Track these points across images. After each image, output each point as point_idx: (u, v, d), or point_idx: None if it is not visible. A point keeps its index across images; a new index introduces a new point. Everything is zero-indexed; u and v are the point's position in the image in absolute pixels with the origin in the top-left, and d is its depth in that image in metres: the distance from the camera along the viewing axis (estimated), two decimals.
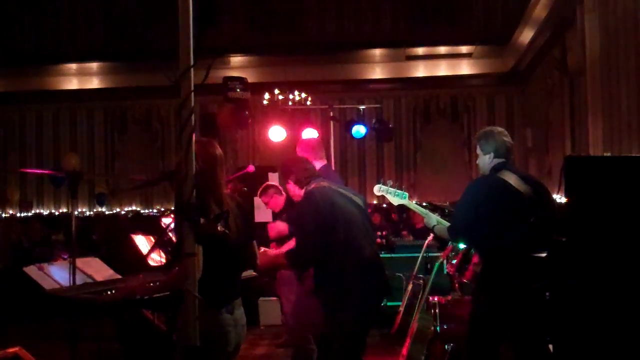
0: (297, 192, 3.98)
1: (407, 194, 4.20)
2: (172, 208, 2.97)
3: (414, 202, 4.40)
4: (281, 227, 4.99)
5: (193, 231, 2.41)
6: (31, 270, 3.84)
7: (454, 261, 5.25)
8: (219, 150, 3.01)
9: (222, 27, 12.88)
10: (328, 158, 8.01)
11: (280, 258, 4.03)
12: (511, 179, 3.72)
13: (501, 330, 3.78)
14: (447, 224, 3.96)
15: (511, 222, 3.67)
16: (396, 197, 4.17)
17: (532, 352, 3.71)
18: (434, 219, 4.01)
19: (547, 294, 3.40)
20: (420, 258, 6.00)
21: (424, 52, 13.91)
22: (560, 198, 7.50)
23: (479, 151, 3.93)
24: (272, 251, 4.38)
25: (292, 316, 5.26)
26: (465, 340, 3.94)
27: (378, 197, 4.26)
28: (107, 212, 14.83)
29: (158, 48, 7.81)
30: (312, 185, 3.91)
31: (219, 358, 2.88)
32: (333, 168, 8.88)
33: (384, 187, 4.18)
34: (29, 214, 14.87)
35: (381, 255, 7.85)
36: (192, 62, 2.39)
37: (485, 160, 3.87)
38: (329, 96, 12.08)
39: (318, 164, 4.49)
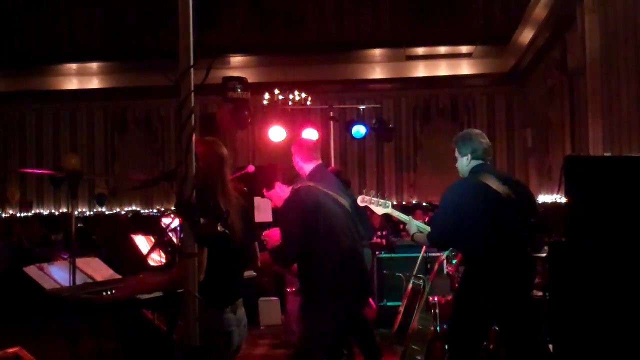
0: (284, 194, 4.04)
1: (389, 202, 4.25)
2: (172, 208, 2.97)
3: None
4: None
5: (193, 231, 2.42)
6: (31, 270, 3.84)
7: (454, 261, 5.26)
8: (224, 150, 3.02)
9: (222, 27, 12.89)
10: (328, 158, 7.98)
11: (265, 255, 4.07)
12: (489, 180, 3.72)
13: (481, 330, 3.79)
14: (429, 229, 3.97)
15: (491, 224, 3.67)
16: (379, 207, 4.21)
17: (523, 352, 3.71)
18: (414, 226, 4.05)
19: (546, 294, 3.40)
20: (420, 258, 6.01)
21: (424, 52, 13.91)
22: (560, 198, 7.51)
23: (456, 154, 3.94)
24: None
25: (294, 317, 5.28)
26: (447, 341, 3.97)
27: None
28: (107, 212, 14.84)
29: (158, 48, 7.82)
30: (298, 185, 3.99)
31: (221, 358, 2.88)
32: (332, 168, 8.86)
33: (367, 198, 4.24)
34: (29, 214, 14.87)
35: (381, 255, 7.89)
36: (192, 62, 2.39)
37: (463, 163, 3.89)
38: (329, 96, 12.08)
39: (311, 165, 4.51)
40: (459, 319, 3.79)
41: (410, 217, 4.18)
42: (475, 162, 3.84)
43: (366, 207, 4.35)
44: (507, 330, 3.77)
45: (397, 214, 4.23)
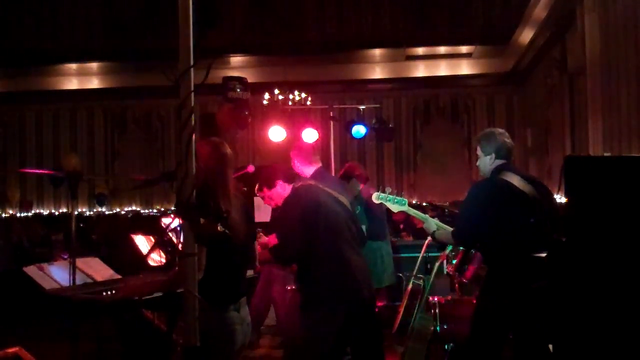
0: (285, 193, 4.03)
1: (406, 200, 4.21)
2: (172, 208, 2.98)
3: (414, 201, 4.44)
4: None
5: (193, 231, 2.42)
6: (31, 270, 3.85)
7: (454, 261, 5.25)
8: (229, 150, 3.05)
9: (222, 27, 12.86)
10: (328, 158, 7.95)
11: (265, 253, 4.06)
12: (514, 180, 3.71)
13: (506, 331, 3.77)
14: (449, 228, 3.94)
15: (517, 224, 3.66)
16: (396, 204, 4.17)
17: (532, 352, 3.70)
18: (433, 224, 4.01)
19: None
20: (420, 258, 6.00)
21: (423, 52, 13.90)
22: (560, 198, 7.50)
23: (479, 152, 3.91)
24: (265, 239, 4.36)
25: (286, 315, 5.26)
26: (467, 342, 3.92)
27: None
28: (107, 212, 14.84)
29: (158, 48, 7.81)
30: (299, 184, 4.00)
31: (225, 356, 2.89)
32: (333, 168, 8.85)
33: (382, 195, 4.19)
34: (29, 214, 14.87)
35: None
36: (192, 62, 2.39)
37: (487, 162, 3.86)
38: (329, 96, 12.07)
39: (312, 168, 4.50)
40: (482, 321, 3.75)
41: (427, 215, 4.15)
42: (499, 162, 3.82)
43: (382, 205, 4.31)
44: (521, 332, 3.73)
45: (413, 212, 4.19)
